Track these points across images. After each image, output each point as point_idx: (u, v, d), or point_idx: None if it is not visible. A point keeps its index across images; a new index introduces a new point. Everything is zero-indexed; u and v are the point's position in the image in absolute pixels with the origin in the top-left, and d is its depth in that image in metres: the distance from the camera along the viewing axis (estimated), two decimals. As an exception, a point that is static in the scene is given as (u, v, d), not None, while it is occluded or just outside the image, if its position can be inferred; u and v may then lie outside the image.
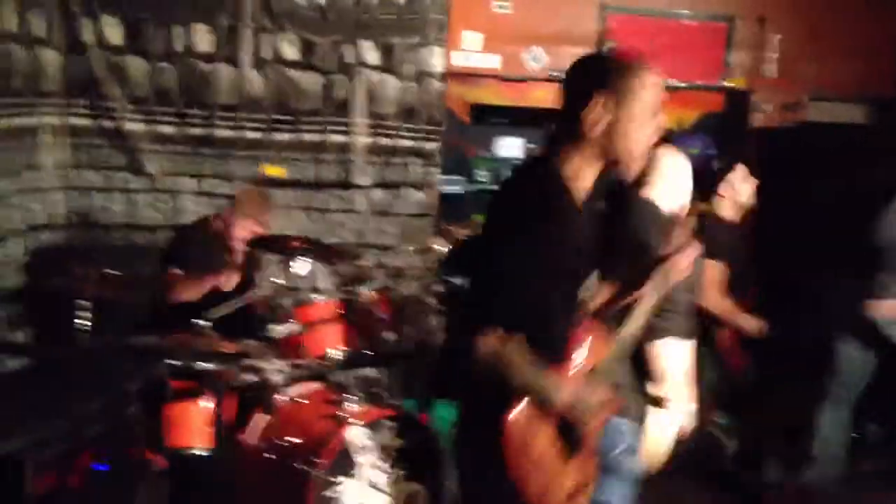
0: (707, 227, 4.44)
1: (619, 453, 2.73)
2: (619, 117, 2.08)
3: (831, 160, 5.43)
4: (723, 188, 4.45)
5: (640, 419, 2.91)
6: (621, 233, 2.66)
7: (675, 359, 2.85)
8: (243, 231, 4.31)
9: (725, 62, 6.17)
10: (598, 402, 2.15)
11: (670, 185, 3.11)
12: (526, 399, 2.05)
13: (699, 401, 4.80)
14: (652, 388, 2.89)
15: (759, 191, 4.54)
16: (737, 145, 6.41)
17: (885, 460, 4.53)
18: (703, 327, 4.65)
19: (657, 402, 2.91)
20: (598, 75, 2.11)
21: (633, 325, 2.39)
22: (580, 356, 2.21)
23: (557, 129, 2.17)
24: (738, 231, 4.52)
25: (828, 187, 5.36)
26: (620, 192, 2.60)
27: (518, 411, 2.04)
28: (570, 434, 2.14)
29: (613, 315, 2.41)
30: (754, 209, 4.56)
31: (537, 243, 2.00)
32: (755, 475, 4.52)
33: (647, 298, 2.43)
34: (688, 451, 3.21)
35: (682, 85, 6.29)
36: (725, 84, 6.25)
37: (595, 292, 2.34)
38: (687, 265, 2.60)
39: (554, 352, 2.11)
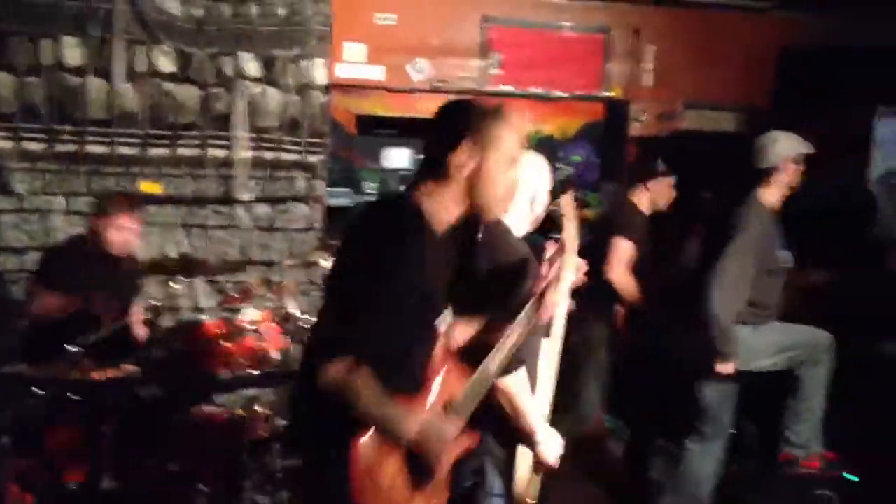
0: (627, 209, 4.99)
1: (473, 490, 2.69)
2: (484, 163, 2.11)
3: (705, 169, 5.62)
4: (651, 183, 4.97)
5: (504, 457, 2.86)
6: (480, 270, 2.59)
7: (526, 389, 2.75)
8: (117, 233, 4.10)
9: (604, 73, 6.30)
10: (448, 437, 2.13)
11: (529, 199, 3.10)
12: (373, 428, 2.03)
13: (588, 405, 4.93)
14: (517, 424, 2.80)
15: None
16: (616, 153, 6.57)
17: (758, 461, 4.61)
18: (605, 305, 4.87)
19: (523, 437, 2.84)
20: (467, 120, 2.14)
21: (496, 361, 2.29)
22: (434, 390, 2.17)
23: (423, 167, 2.19)
24: (645, 222, 4.99)
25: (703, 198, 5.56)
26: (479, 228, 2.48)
27: (367, 438, 2.01)
28: (419, 467, 2.12)
29: (475, 350, 2.34)
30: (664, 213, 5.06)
31: (392, 275, 2.00)
32: (643, 474, 4.59)
33: (512, 335, 2.33)
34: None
35: (564, 95, 6.40)
36: (605, 94, 6.38)
37: (456, 327, 2.31)
38: (556, 301, 2.49)
39: (406, 384, 2.09)
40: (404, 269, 2.01)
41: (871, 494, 4.06)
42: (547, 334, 2.66)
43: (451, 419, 2.16)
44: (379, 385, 2.00)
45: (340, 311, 2.05)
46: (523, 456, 2.89)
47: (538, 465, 2.77)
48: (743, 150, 5.68)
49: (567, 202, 2.57)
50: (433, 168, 2.15)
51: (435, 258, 2.12)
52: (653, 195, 5.02)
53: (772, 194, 3.98)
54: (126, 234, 4.12)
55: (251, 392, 4.34)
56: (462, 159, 2.10)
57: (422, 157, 2.22)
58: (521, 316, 2.32)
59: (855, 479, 4.23)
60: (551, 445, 2.78)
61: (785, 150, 3.93)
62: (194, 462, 3.45)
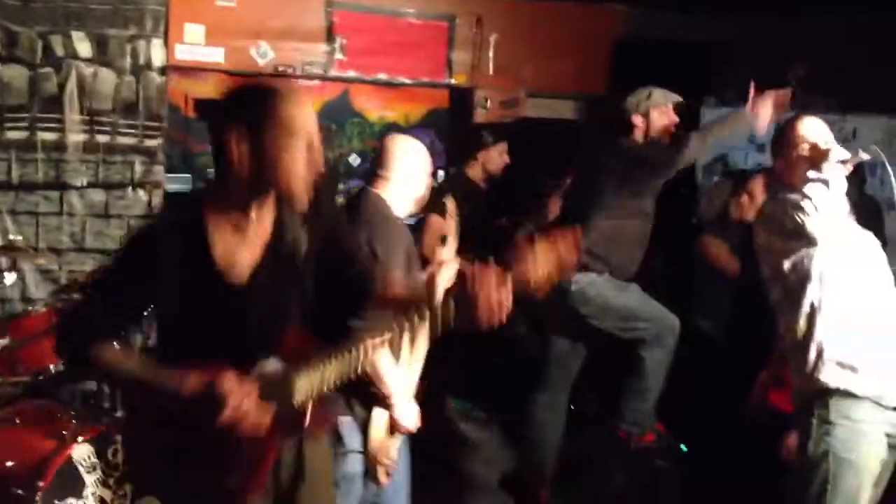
0: (460, 182, 5.17)
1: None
2: (260, 147, 2.00)
3: (546, 154, 5.79)
4: (481, 154, 5.21)
5: (365, 416, 2.91)
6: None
7: (388, 355, 2.79)
8: None
9: (448, 60, 6.38)
10: (237, 391, 1.97)
11: (407, 178, 3.16)
12: None
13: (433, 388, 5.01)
14: (373, 387, 2.85)
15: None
16: (461, 140, 6.66)
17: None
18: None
19: (379, 400, 2.89)
20: (228, 107, 2.06)
21: (333, 371, 2.12)
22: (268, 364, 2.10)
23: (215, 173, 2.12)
24: (478, 189, 5.21)
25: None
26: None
27: None
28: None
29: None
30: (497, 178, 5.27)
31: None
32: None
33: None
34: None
35: (408, 82, 6.44)
36: (449, 81, 6.46)
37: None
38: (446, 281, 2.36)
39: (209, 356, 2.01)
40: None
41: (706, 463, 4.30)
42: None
43: (248, 385, 2.00)
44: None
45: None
46: (379, 418, 2.96)
47: (394, 428, 2.85)
48: (580, 136, 5.93)
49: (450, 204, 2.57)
50: (218, 170, 2.08)
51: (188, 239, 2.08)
52: (484, 164, 5.26)
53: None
54: None
55: (89, 385, 4.17)
56: (232, 150, 1.99)
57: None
58: (387, 332, 2.14)
59: (686, 449, 4.49)
60: (408, 412, 2.87)
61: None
62: (28, 459, 3.28)
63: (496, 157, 5.29)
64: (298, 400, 2.10)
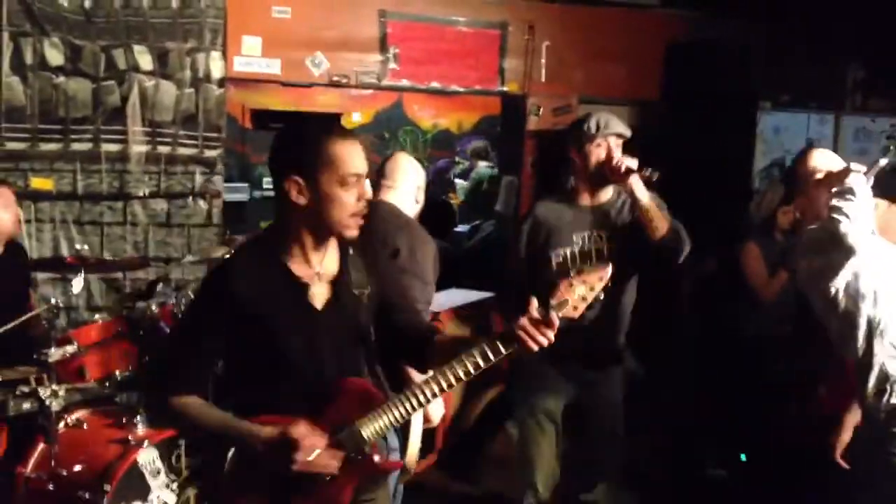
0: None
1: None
2: (318, 188, 2.08)
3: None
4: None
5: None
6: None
7: None
8: (7, 213, 3.96)
9: (501, 67, 6.41)
10: (311, 447, 2.06)
11: (410, 191, 3.39)
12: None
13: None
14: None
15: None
16: (514, 147, 6.69)
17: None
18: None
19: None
20: (286, 155, 2.12)
21: (411, 407, 2.17)
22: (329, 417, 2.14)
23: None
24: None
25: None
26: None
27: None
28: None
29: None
30: None
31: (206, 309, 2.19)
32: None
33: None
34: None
35: (461, 90, 6.48)
36: (501, 89, 6.48)
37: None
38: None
39: (278, 402, 2.13)
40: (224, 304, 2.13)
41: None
42: None
43: (318, 438, 2.09)
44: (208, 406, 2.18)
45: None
46: (417, 426, 3.11)
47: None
48: (634, 142, 5.88)
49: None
50: (277, 202, 2.13)
51: (283, 290, 2.15)
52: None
53: None
54: (9, 212, 3.98)
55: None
56: (293, 193, 2.07)
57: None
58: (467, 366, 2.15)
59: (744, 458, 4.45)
60: (436, 407, 3.15)
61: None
62: (96, 463, 3.38)
63: None
64: (367, 447, 2.15)
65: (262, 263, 2.16)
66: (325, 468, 2.09)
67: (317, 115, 6.93)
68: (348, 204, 2.10)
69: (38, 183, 5.21)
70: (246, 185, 7.15)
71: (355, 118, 8.58)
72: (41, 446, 3.46)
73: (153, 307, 3.93)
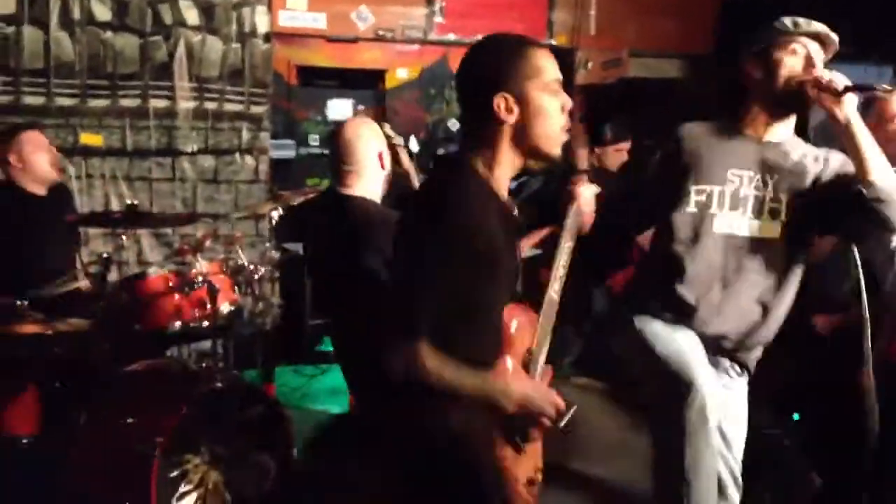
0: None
1: None
2: (528, 102, 1.96)
3: (650, 116, 5.67)
4: (599, 150, 5.03)
5: None
6: None
7: None
8: (34, 155, 4.02)
9: (549, 20, 6.29)
10: (546, 393, 2.05)
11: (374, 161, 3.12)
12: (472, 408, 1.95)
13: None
14: None
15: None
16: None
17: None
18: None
19: None
20: (495, 63, 1.98)
21: (556, 286, 2.23)
22: (513, 346, 2.09)
23: (466, 126, 2.10)
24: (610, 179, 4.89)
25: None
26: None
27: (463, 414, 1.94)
28: (517, 427, 2.06)
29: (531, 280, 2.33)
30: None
31: (458, 244, 1.87)
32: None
33: (564, 244, 2.33)
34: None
35: (508, 43, 6.38)
36: (549, 42, 6.38)
37: None
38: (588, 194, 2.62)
39: (489, 348, 2.02)
40: (475, 239, 1.88)
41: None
42: None
43: (536, 370, 2.12)
44: (467, 362, 1.90)
45: (409, 290, 1.91)
46: None
47: None
48: (687, 96, 5.77)
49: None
50: (477, 126, 2.01)
51: (499, 220, 1.98)
52: (601, 160, 5.09)
53: None
54: (42, 154, 4.03)
55: (203, 345, 4.31)
56: (503, 107, 1.95)
57: (463, 115, 2.09)
58: (565, 227, 2.34)
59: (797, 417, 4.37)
60: None
61: None
62: (148, 416, 3.41)
63: (614, 156, 5.09)
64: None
65: (486, 195, 1.98)
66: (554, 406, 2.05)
67: (364, 72, 6.87)
68: (558, 115, 1.99)
69: (88, 139, 5.25)
70: (292, 141, 7.13)
71: (401, 75, 8.51)
72: (93, 399, 3.50)
73: (203, 262, 3.96)
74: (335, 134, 3.16)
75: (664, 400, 2.57)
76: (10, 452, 3.32)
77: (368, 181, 3.11)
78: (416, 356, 1.84)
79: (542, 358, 2.19)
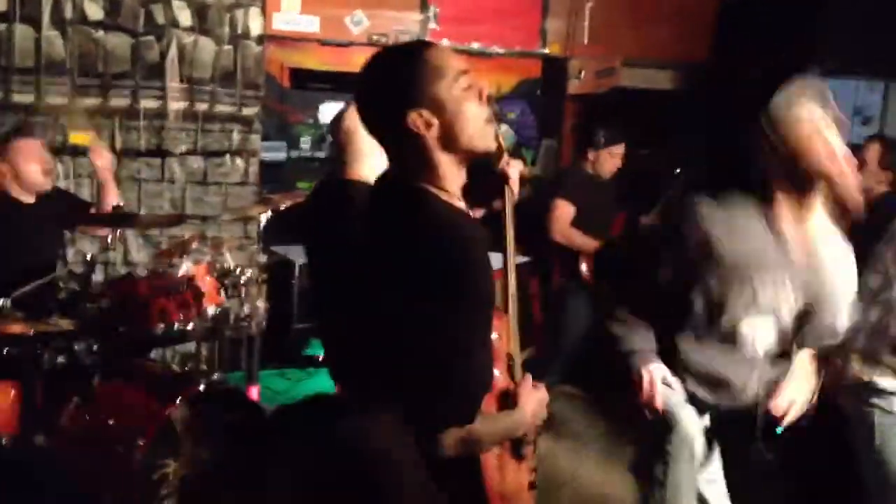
0: (572, 174, 5.23)
1: None
2: (442, 106, 1.80)
3: (643, 126, 5.68)
4: (592, 153, 5.17)
5: None
6: None
7: None
8: (25, 163, 4.01)
9: (542, 28, 6.29)
10: (540, 397, 2.04)
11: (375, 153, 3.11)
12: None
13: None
14: None
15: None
16: (555, 110, 6.59)
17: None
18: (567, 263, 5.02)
19: None
20: (395, 77, 1.83)
21: (512, 273, 2.27)
22: (498, 356, 2.07)
23: (389, 153, 1.94)
24: (598, 183, 5.18)
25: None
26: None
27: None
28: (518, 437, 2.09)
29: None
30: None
31: (466, 291, 1.75)
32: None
33: (509, 232, 2.34)
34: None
35: (503, 51, 6.38)
36: (542, 51, 6.37)
37: None
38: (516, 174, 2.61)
39: (490, 373, 1.89)
40: (474, 283, 1.76)
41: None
42: None
43: (523, 377, 2.09)
44: (485, 415, 1.83)
45: (433, 360, 1.75)
46: None
47: None
48: (680, 107, 5.76)
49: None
50: (399, 150, 1.87)
51: (482, 246, 1.84)
52: (595, 165, 5.18)
53: None
54: (34, 164, 4.02)
55: (188, 347, 4.29)
56: (420, 124, 1.79)
57: (380, 142, 1.92)
58: (506, 214, 2.35)
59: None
60: None
61: None
62: (130, 417, 3.40)
63: (608, 160, 5.17)
64: None
65: (458, 222, 1.83)
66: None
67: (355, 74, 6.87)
68: (477, 109, 1.83)
69: (77, 138, 5.22)
70: (283, 143, 7.12)
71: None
72: (76, 400, 3.49)
73: (189, 264, 3.94)
74: (336, 121, 3.10)
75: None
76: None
77: (372, 168, 3.06)
78: (468, 436, 1.77)
79: (519, 358, 2.21)
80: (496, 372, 2.00)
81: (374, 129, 1.90)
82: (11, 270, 3.75)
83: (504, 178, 2.58)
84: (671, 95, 6.13)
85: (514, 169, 2.65)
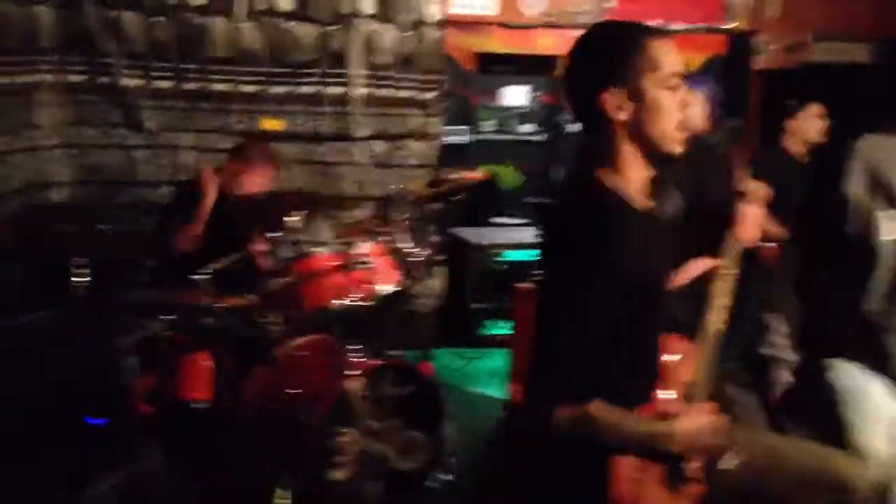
0: (767, 154, 4.92)
1: None
2: (641, 96, 1.80)
3: (837, 104, 5.36)
4: (790, 122, 4.85)
5: None
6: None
7: None
8: (251, 180, 4.32)
9: (727, 3, 6.05)
10: (713, 425, 1.86)
11: None
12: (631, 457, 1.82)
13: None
14: None
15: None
16: (740, 88, 6.33)
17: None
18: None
19: None
20: (602, 56, 1.83)
21: (718, 312, 2.08)
22: (672, 379, 1.97)
23: (582, 131, 1.93)
24: (796, 165, 4.87)
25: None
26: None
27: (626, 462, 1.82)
28: (673, 465, 1.90)
29: (689, 311, 2.13)
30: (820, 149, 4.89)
31: (602, 278, 1.71)
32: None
33: (723, 274, 2.17)
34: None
35: (684, 28, 6.19)
36: (728, 26, 6.14)
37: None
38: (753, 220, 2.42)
39: (644, 390, 1.88)
40: (613, 269, 1.73)
41: None
42: None
43: (698, 406, 1.91)
44: (620, 407, 1.77)
45: (556, 338, 1.75)
46: None
47: None
48: (878, 82, 5.40)
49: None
50: (591, 130, 1.86)
51: (644, 235, 1.83)
52: (798, 133, 4.89)
53: None
54: (260, 182, 4.33)
55: (365, 324, 4.44)
56: (613, 104, 1.80)
57: (576, 120, 1.92)
58: (727, 254, 2.18)
59: None
60: None
61: None
62: (308, 388, 3.58)
63: (811, 122, 4.88)
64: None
65: (620, 212, 1.82)
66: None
67: (538, 58, 6.86)
68: (675, 111, 1.82)
69: (268, 124, 5.51)
70: (466, 127, 7.23)
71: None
72: (261, 369, 3.72)
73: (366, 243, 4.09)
74: None
75: None
76: (182, 417, 3.57)
77: None
78: (583, 413, 1.72)
79: (704, 393, 2.00)
80: (670, 393, 1.94)
81: (571, 102, 1.90)
82: (215, 254, 4.03)
83: (734, 220, 2.40)
84: (868, 71, 5.75)
85: (752, 211, 2.45)
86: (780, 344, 4.80)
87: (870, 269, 2.53)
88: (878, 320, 2.59)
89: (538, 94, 7.34)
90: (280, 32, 5.48)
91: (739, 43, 6.28)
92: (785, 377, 4.60)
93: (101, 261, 3.70)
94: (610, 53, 1.82)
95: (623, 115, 1.81)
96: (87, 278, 3.62)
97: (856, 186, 2.62)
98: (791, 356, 4.64)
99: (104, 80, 5.33)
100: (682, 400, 1.96)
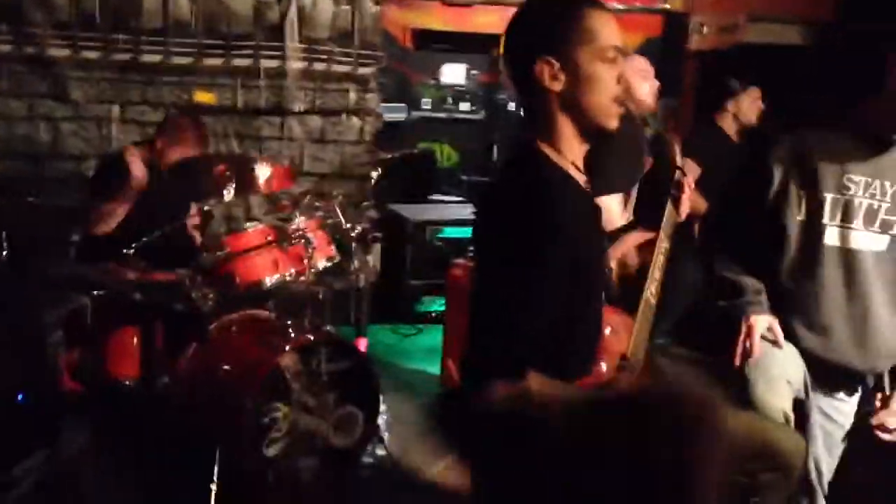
0: (702, 133, 4.95)
1: None
2: (574, 68, 1.76)
3: (769, 84, 5.44)
4: (731, 103, 4.87)
5: None
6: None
7: None
8: (177, 153, 4.19)
9: (662, -17, 6.12)
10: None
11: None
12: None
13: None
14: None
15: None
16: (674, 68, 6.39)
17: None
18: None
19: None
20: (534, 33, 1.80)
21: (653, 283, 2.08)
22: (607, 351, 1.96)
23: (518, 101, 1.98)
24: (730, 144, 4.91)
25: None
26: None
27: None
28: None
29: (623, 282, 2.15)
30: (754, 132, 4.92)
31: (539, 247, 1.67)
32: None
33: (661, 244, 2.18)
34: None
35: (622, 7, 6.23)
36: (663, 6, 6.19)
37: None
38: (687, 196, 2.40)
39: (584, 362, 1.85)
40: (551, 240, 1.68)
41: None
42: None
43: (629, 377, 1.91)
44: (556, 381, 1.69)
45: (493, 313, 1.72)
46: None
47: None
48: (809, 64, 5.49)
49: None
50: (527, 99, 1.84)
51: (580, 207, 1.82)
52: (737, 114, 4.93)
53: None
54: (179, 149, 4.20)
55: (298, 299, 4.40)
56: (547, 74, 1.77)
57: (515, 90, 1.90)
58: (662, 228, 2.18)
59: None
60: None
61: None
62: (242, 365, 3.53)
63: (750, 104, 4.93)
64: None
65: (557, 182, 1.79)
66: None
67: (478, 36, 6.84)
68: (612, 84, 1.79)
69: (201, 96, 5.41)
70: (403, 104, 7.20)
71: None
72: (193, 345, 3.65)
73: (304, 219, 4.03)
74: None
75: None
76: (110, 393, 3.48)
77: None
78: (522, 388, 1.63)
79: (638, 365, 1.99)
80: (602, 365, 1.95)
81: (509, 71, 1.87)
82: (144, 227, 3.92)
83: (677, 191, 2.40)
84: (801, 53, 5.85)
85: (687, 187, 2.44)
86: None
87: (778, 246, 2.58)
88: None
89: (477, 72, 7.33)
90: (214, 3, 5.38)
91: (675, 24, 6.35)
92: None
93: (26, 234, 3.60)
94: (544, 22, 1.80)
95: (557, 86, 1.77)
96: (7, 250, 3.52)
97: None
98: None
99: (30, 50, 5.18)
100: (616, 372, 1.96)
